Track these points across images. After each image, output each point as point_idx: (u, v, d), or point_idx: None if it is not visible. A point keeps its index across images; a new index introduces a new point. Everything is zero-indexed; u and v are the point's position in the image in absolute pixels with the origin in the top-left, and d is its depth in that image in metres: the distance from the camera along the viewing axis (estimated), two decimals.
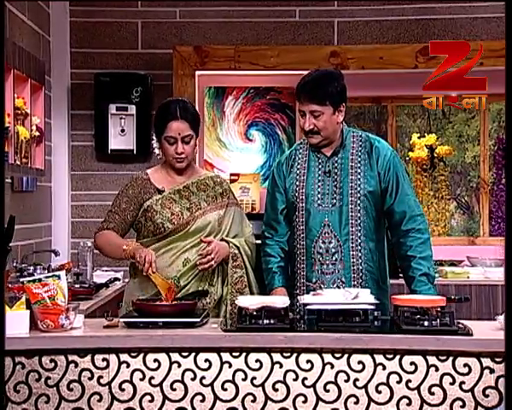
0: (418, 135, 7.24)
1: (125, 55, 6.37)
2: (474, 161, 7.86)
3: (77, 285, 4.79)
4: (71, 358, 3.11)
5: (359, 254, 3.70)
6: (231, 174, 6.67)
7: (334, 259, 3.70)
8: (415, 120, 8.50)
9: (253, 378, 3.10)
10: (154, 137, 3.79)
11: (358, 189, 3.71)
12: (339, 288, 3.63)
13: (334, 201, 3.72)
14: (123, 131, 6.17)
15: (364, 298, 3.27)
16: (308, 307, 3.25)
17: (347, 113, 3.78)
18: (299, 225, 3.75)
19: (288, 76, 6.57)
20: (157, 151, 3.80)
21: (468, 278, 5.95)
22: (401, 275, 3.86)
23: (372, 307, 3.25)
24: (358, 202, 3.70)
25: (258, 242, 3.89)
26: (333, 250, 3.70)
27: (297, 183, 3.78)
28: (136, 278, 3.73)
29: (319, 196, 3.73)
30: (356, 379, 3.09)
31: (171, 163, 3.75)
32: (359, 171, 3.73)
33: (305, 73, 3.79)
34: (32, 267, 4.77)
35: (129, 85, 6.17)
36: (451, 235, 7.51)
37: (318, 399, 3.09)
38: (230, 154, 6.79)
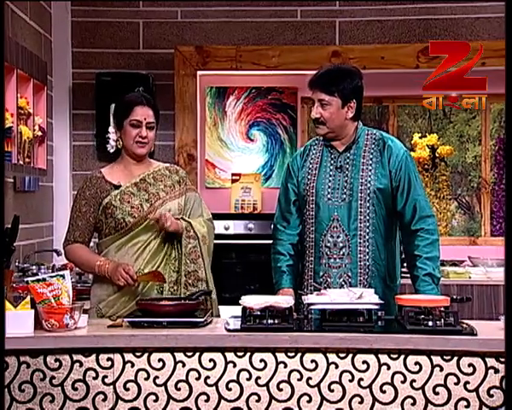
0: (419, 135, 7.22)
1: (127, 55, 6.37)
2: (474, 161, 7.87)
3: (79, 285, 4.79)
4: (75, 357, 3.11)
5: (366, 250, 3.72)
6: (233, 174, 6.66)
7: (341, 253, 3.72)
8: (416, 120, 8.52)
9: (258, 378, 3.10)
10: (110, 130, 3.75)
11: (368, 185, 3.73)
12: (345, 282, 3.68)
13: (344, 196, 3.74)
14: None
15: (369, 298, 3.28)
16: (312, 307, 3.27)
17: None
18: (309, 219, 3.78)
19: (289, 76, 6.57)
20: (112, 144, 3.74)
21: (470, 278, 5.95)
22: None
23: (376, 307, 3.25)
24: (368, 198, 3.72)
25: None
26: (340, 245, 3.72)
27: (309, 176, 3.81)
28: (97, 282, 3.70)
29: (329, 190, 3.76)
30: (360, 379, 3.09)
31: (132, 149, 3.70)
32: (370, 168, 3.75)
33: (307, 73, 3.82)
34: (34, 267, 4.77)
35: (130, 85, 6.14)
36: (452, 235, 7.51)
37: (323, 399, 3.10)
38: (232, 154, 6.78)
